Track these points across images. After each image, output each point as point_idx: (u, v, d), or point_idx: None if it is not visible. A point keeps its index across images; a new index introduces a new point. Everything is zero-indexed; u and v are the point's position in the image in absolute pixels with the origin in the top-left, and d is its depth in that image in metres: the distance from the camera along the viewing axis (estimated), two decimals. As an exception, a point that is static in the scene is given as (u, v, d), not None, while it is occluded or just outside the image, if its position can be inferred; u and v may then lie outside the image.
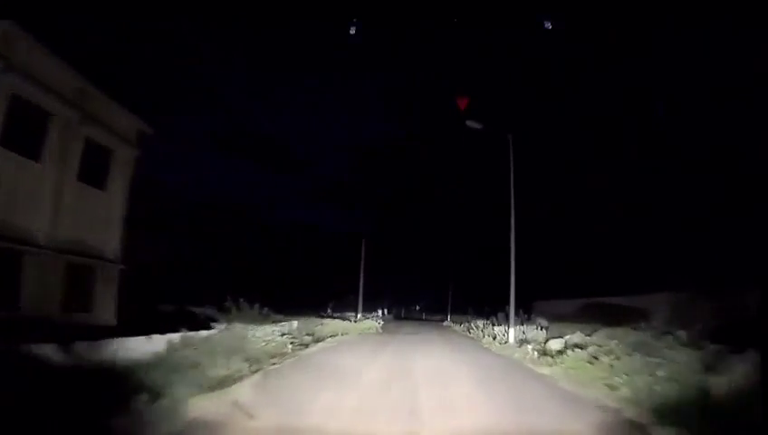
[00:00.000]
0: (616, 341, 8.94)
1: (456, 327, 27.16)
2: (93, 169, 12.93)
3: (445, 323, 34.47)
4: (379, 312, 45.99)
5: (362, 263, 27.78)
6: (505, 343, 14.09)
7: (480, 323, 21.20)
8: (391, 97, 63.85)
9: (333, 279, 42.88)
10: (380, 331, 21.40)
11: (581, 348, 9.84)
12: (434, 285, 65.38)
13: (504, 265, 15.18)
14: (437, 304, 63.13)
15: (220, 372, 6.33)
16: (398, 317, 59.63)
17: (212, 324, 11.85)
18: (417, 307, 76.22)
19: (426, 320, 49.83)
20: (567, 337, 13.23)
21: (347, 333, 17.43)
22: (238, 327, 11.42)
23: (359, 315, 26.87)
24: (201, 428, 4.11)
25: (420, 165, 60.76)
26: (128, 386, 4.29)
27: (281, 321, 16.92)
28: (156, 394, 4.22)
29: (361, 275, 27.72)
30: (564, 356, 9.69)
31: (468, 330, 22.34)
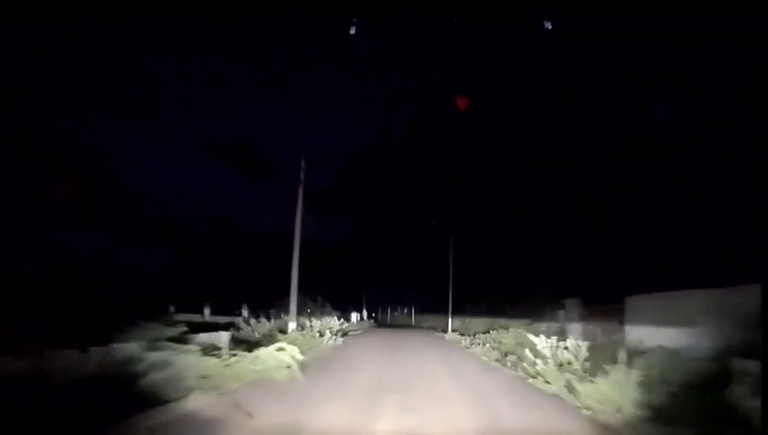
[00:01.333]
0: None
1: (477, 349, 14.87)
2: None
3: (447, 337, 22.27)
4: (353, 317, 33.83)
5: (298, 215, 15.03)
6: None
7: (538, 341, 8.92)
8: (383, 98, 60.24)
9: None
10: (302, 375, 7.41)
11: None
12: (428, 283, 54.39)
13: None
14: (433, 305, 51.43)
15: None
16: (382, 324, 47.73)
17: None
18: (405, 310, 64.77)
19: (417, 328, 37.57)
20: None
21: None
22: None
23: (291, 326, 14.44)
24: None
25: (414, 161, 53.41)
26: None
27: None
28: None
29: (297, 235, 14.98)
30: None
31: (506, 357, 10.49)
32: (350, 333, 22.66)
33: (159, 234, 28.85)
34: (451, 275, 26.71)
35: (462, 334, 20.70)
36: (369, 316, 53.79)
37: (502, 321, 20.76)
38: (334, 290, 49.55)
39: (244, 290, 30.60)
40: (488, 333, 18.11)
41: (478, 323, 24.57)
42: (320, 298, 20.63)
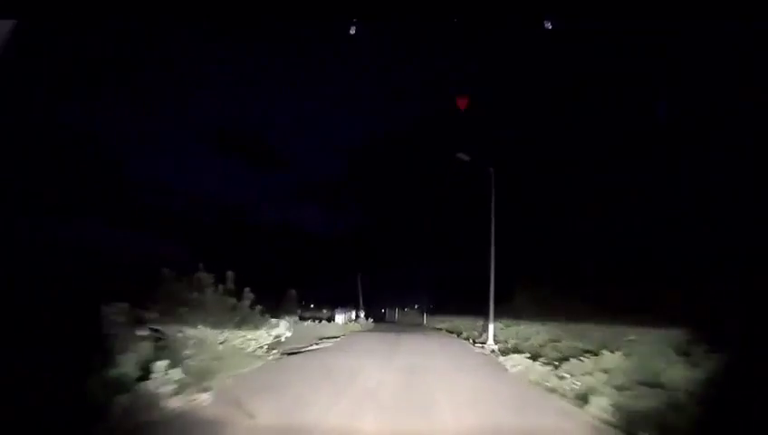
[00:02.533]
0: None
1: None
2: None
3: (512, 366, 10.46)
4: (339, 317, 22.95)
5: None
6: None
7: None
8: (385, 95, 55.59)
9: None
10: None
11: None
12: (443, 281, 43.84)
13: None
14: (449, 303, 40.22)
15: None
16: (388, 325, 36.92)
17: None
18: (416, 306, 54.33)
19: (432, 331, 25.93)
20: None
21: None
22: None
23: None
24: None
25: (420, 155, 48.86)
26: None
27: None
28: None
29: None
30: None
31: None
32: (306, 350, 11.67)
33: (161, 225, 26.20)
34: (493, 230, 15.46)
35: (533, 358, 9.47)
36: (371, 315, 43.60)
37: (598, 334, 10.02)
38: (332, 286, 40.21)
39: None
40: (597, 353, 7.27)
41: (530, 329, 13.91)
42: (230, 275, 9.42)
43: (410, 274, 52.21)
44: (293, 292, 19.83)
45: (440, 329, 26.59)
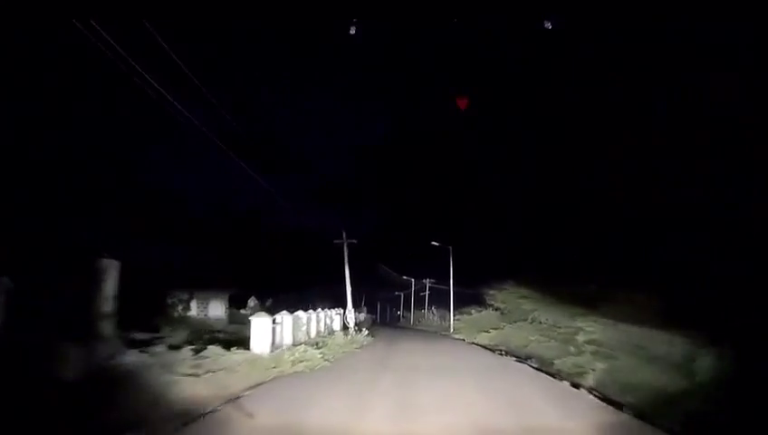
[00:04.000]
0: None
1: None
2: None
3: None
4: (260, 335, 9.97)
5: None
6: None
7: None
8: (389, 96, 61.04)
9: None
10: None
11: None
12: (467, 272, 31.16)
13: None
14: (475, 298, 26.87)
15: None
16: (398, 328, 24.08)
17: None
18: (433, 307, 42.51)
19: (470, 362, 12.26)
20: None
21: None
22: None
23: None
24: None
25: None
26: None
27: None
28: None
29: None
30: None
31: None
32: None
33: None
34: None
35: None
36: (375, 319, 31.21)
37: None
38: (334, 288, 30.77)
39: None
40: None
41: None
42: None
43: (429, 273, 40.17)
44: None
45: (493, 349, 13.46)
